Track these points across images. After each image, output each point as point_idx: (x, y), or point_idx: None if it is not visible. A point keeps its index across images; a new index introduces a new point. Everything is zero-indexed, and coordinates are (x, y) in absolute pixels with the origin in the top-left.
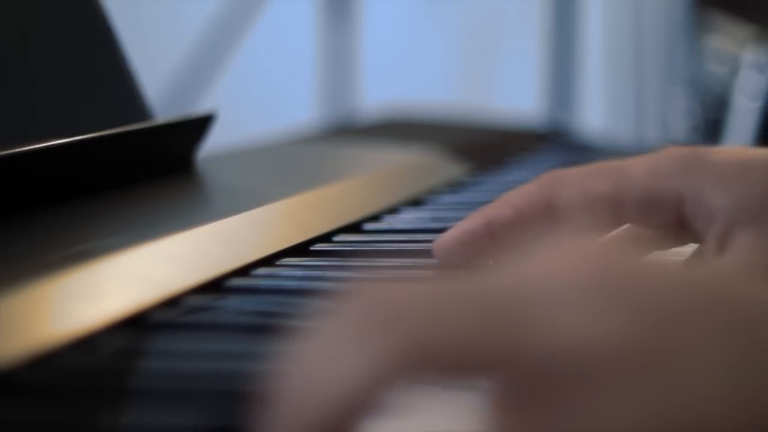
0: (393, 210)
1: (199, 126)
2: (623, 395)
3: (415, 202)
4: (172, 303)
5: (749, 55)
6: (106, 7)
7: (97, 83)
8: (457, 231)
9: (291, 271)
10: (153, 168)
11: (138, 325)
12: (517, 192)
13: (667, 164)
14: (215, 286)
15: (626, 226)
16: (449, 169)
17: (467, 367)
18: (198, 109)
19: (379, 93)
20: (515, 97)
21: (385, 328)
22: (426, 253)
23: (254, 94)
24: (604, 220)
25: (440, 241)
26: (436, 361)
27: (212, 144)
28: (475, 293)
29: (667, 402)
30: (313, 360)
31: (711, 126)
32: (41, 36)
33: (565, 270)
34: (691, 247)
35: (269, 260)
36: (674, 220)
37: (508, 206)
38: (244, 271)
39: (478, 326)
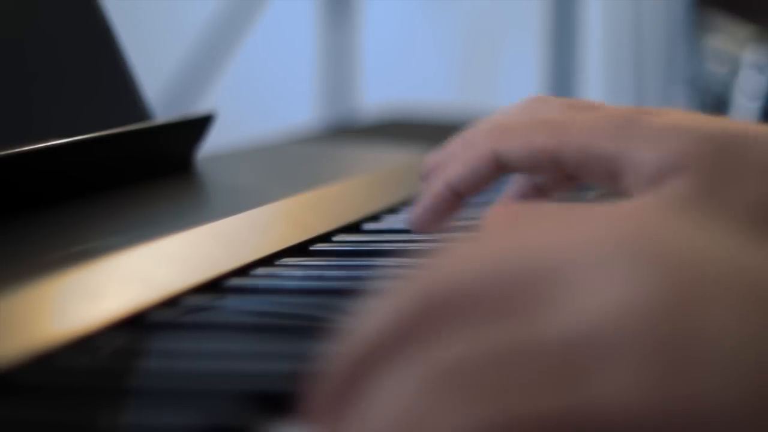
0: (393, 210)
1: (198, 126)
2: (636, 365)
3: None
4: (171, 303)
5: (749, 55)
6: (105, 7)
7: (96, 83)
8: (424, 201)
9: (291, 271)
10: (153, 168)
11: (137, 325)
12: (464, 144)
13: (604, 124)
14: (215, 286)
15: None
16: None
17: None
18: (198, 109)
19: (379, 93)
20: (515, 96)
21: (470, 398)
22: (426, 254)
23: (254, 94)
24: (544, 169)
25: (415, 215)
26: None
27: (212, 144)
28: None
29: (689, 378)
30: (399, 420)
31: None
32: (40, 36)
33: (589, 244)
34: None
35: (269, 260)
36: (608, 176)
37: (460, 163)
38: (244, 271)
39: (510, 322)
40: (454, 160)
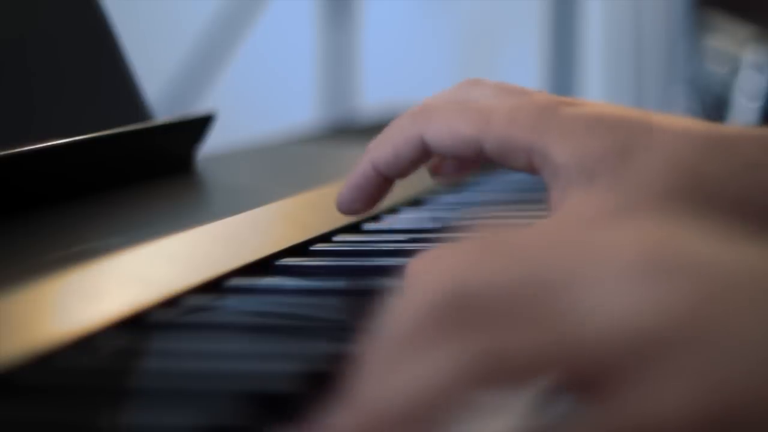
0: (393, 210)
1: (198, 126)
2: (677, 376)
3: (415, 202)
4: (171, 303)
5: (749, 55)
6: (105, 7)
7: (96, 83)
8: (350, 180)
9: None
10: (153, 168)
11: (138, 325)
12: (393, 128)
13: (524, 115)
14: (215, 286)
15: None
16: None
17: (530, 372)
18: (198, 109)
19: (379, 93)
20: None
21: (457, 334)
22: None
23: (254, 94)
24: (468, 155)
25: (340, 195)
26: (503, 371)
27: (212, 144)
28: (526, 284)
29: (721, 379)
30: (385, 362)
31: None
32: (40, 36)
33: (610, 251)
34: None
35: (269, 260)
36: (527, 166)
37: (387, 145)
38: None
39: (536, 329)
40: (381, 141)
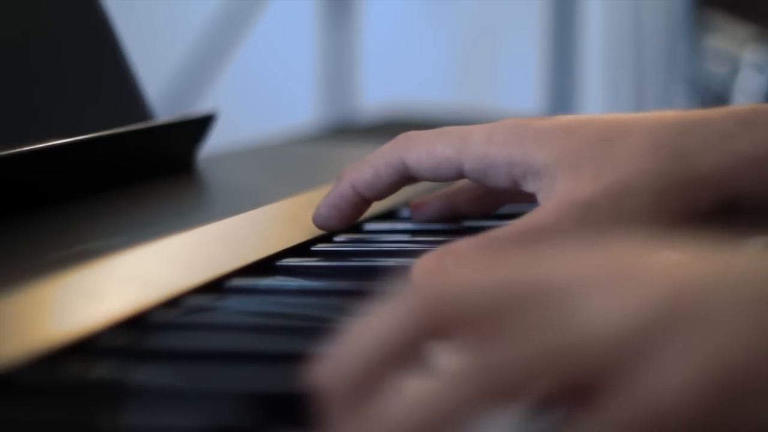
0: (393, 210)
1: (199, 126)
2: (673, 355)
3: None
4: (172, 303)
5: (749, 55)
6: (106, 7)
7: (97, 83)
8: (328, 198)
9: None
10: (153, 168)
11: (138, 325)
12: (375, 152)
13: (499, 132)
14: (215, 287)
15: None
16: None
17: (525, 385)
18: (198, 109)
19: (379, 93)
20: (515, 97)
21: (415, 297)
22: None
23: (254, 94)
24: (448, 178)
25: (317, 210)
26: (499, 388)
27: (212, 144)
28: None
29: (716, 349)
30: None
31: None
32: (41, 36)
33: (581, 264)
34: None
35: (270, 260)
36: (507, 181)
37: (367, 166)
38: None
39: (527, 340)
40: (362, 162)
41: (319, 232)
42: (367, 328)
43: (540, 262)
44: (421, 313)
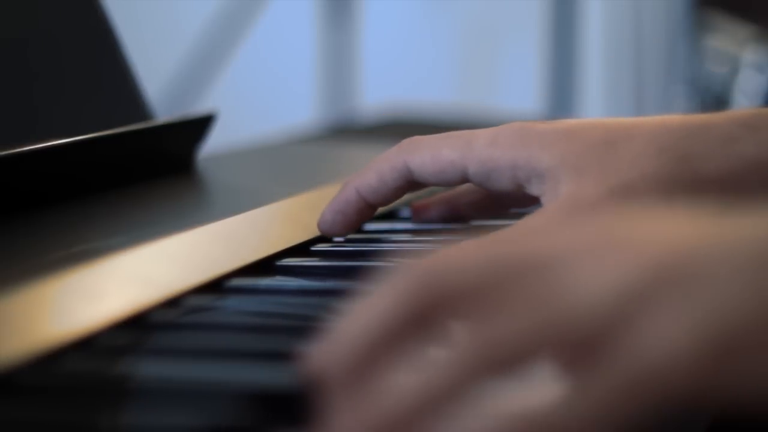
0: (393, 210)
1: (199, 126)
2: (668, 312)
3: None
4: (172, 303)
5: (749, 55)
6: (106, 7)
7: (97, 83)
8: (333, 204)
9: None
10: (153, 168)
11: (138, 325)
12: (380, 157)
13: (503, 136)
14: (216, 287)
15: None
16: None
17: (524, 354)
18: (198, 109)
19: (379, 93)
20: (515, 97)
21: (407, 279)
22: (426, 254)
23: (254, 94)
24: (452, 182)
25: (322, 216)
26: (499, 359)
27: (212, 144)
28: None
29: (711, 305)
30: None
31: None
32: (41, 36)
33: (574, 236)
34: None
35: (270, 260)
36: (511, 184)
37: (372, 171)
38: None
39: (523, 311)
40: (367, 168)
41: (319, 233)
42: (364, 309)
43: (533, 236)
44: (417, 288)
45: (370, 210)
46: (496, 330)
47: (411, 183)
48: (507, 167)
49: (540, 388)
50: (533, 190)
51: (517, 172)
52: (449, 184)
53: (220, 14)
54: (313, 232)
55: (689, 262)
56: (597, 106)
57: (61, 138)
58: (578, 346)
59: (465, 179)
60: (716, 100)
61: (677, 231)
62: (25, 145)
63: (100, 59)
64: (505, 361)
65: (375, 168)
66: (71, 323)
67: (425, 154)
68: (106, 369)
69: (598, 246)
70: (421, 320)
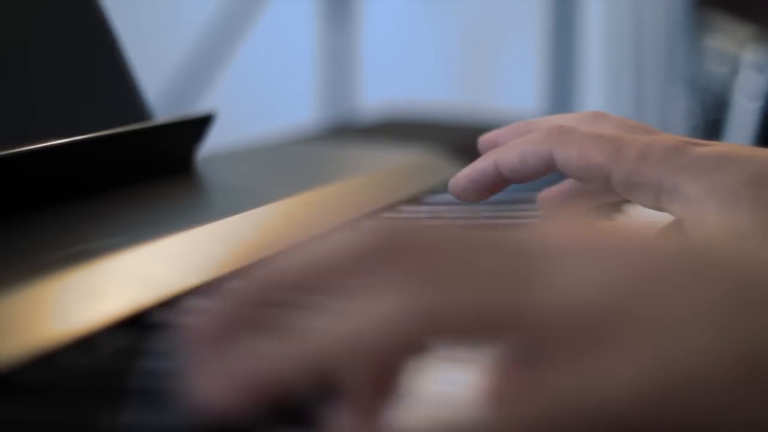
0: (393, 210)
1: (198, 126)
2: (622, 351)
3: (413, 200)
4: (171, 303)
5: (749, 55)
6: (105, 7)
7: (96, 83)
8: (469, 170)
9: None
10: (153, 168)
11: (138, 325)
12: (525, 139)
13: (655, 152)
14: (215, 287)
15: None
16: (449, 169)
17: (474, 332)
18: (198, 109)
19: (379, 93)
20: (515, 96)
21: (404, 285)
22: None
23: (254, 94)
24: (591, 181)
25: (455, 179)
26: (446, 326)
27: (212, 144)
28: (485, 249)
29: (665, 355)
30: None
31: (711, 126)
32: (40, 36)
33: (562, 236)
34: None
35: (269, 260)
36: (652, 202)
37: (515, 151)
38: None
39: (485, 292)
40: (511, 146)
41: (318, 233)
42: (335, 242)
43: (526, 229)
44: (377, 235)
45: (504, 184)
46: (449, 297)
47: (551, 170)
48: (653, 186)
49: (473, 382)
50: (673, 210)
51: (662, 194)
52: (587, 182)
53: (220, 14)
54: (312, 232)
55: (660, 295)
56: (597, 107)
57: (60, 138)
58: (528, 344)
59: (605, 183)
60: (716, 100)
61: (661, 249)
62: (25, 145)
63: (99, 59)
64: (454, 328)
65: (519, 149)
66: (70, 323)
67: (573, 150)
68: (105, 369)
69: (583, 250)
70: (376, 260)
